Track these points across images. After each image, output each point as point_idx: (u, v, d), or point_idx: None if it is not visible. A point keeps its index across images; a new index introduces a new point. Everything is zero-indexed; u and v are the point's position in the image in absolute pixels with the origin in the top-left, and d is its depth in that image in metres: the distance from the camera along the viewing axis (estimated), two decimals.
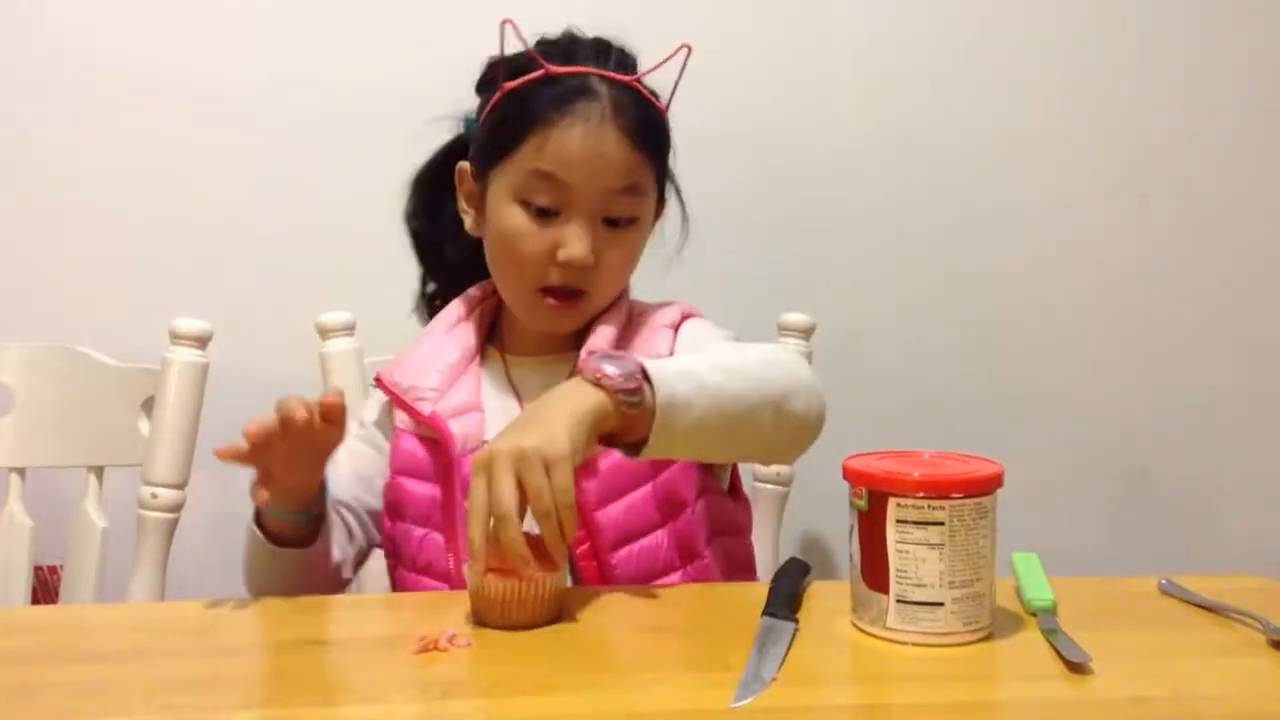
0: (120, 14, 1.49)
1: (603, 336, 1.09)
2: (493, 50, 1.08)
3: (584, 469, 0.99)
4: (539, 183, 1.04)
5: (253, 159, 1.52)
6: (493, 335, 1.17)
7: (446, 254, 1.18)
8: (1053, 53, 1.60)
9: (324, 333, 1.31)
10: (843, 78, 1.58)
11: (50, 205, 1.50)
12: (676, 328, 1.13)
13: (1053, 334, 1.63)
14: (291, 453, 0.92)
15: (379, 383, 1.12)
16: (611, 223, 1.07)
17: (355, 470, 1.12)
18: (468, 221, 1.13)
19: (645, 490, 1.04)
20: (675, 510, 1.05)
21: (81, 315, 1.48)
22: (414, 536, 1.07)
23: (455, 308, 1.16)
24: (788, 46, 1.57)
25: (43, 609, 1.26)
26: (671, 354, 1.09)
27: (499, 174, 1.07)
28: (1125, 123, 1.62)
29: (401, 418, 1.11)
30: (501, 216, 1.07)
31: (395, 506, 1.09)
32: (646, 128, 1.07)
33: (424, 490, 1.07)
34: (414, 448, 1.09)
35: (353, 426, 1.14)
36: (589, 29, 1.10)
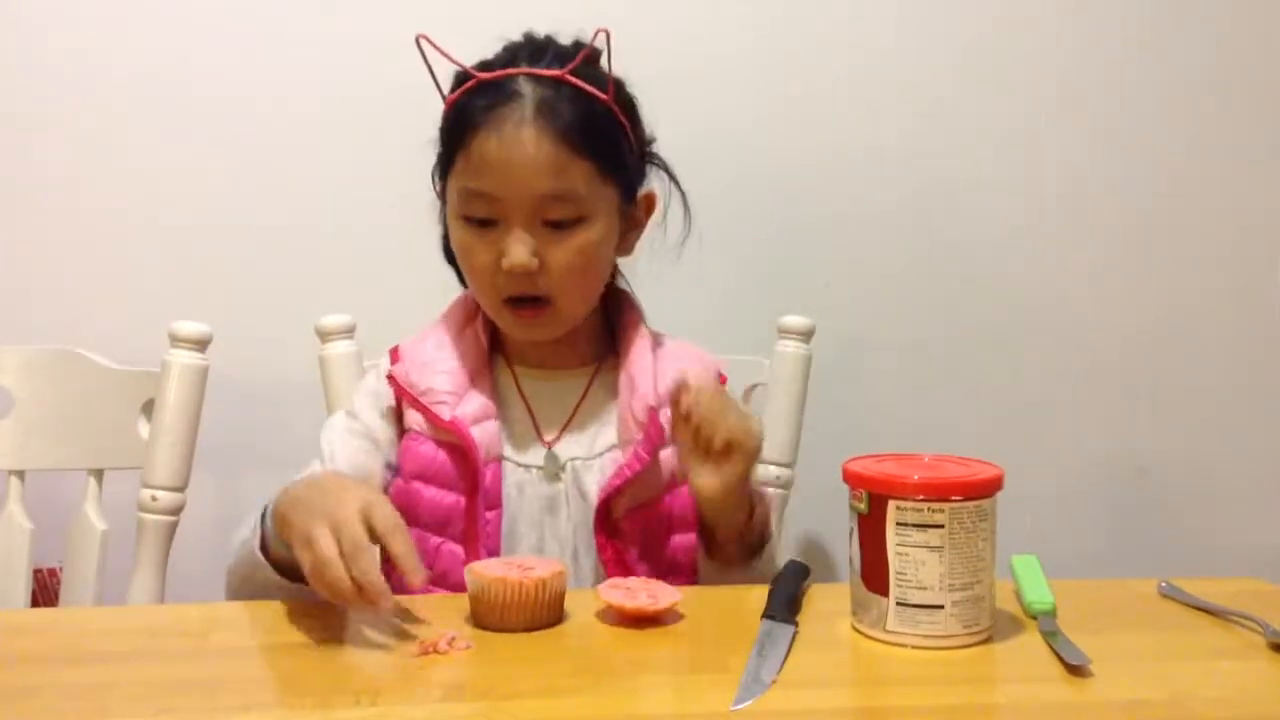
0: (120, 15, 1.49)
1: (640, 365, 1.09)
2: (492, 51, 1.08)
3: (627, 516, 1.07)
4: (471, 198, 1.04)
5: (253, 161, 1.51)
6: (494, 342, 1.15)
7: None
8: (1052, 54, 1.60)
9: (324, 335, 1.30)
10: (844, 80, 1.58)
11: (50, 207, 1.50)
12: None
13: (1052, 335, 1.63)
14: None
15: (393, 382, 1.09)
16: (555, 224, 1.03)
17: (355, 467, 1.07)
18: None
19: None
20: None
21: (81, 318, 1.48)
22: (428, 545, 1.04)
23: (460, 309, 1.14)
24: (789, 49, 1.57)
25: (42, 611, 1.25)
26: None
27: (448, 190, 1.07)
28: (1123, 124, 1.61)
29: (415, 419, 1.07)
30: (453, 233, 1.07)
31: (407, 512, 1.06)
32: (577, 123, 1.02)
33: (443, 497, 1.05)
34: (431, 452, 1.05)
35: (338, 420, 1.13)
36: (577, 30, 1.08)
